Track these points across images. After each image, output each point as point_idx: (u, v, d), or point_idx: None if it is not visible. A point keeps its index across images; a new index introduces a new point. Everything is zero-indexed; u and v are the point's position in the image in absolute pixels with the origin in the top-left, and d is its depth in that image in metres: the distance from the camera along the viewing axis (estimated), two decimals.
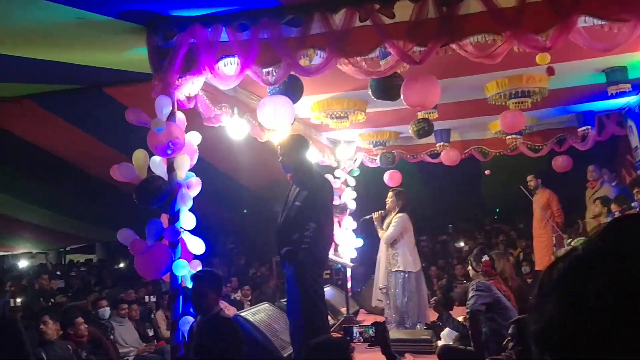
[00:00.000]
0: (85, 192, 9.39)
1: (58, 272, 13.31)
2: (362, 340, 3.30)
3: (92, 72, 5.17)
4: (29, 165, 7.94)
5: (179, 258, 4.04)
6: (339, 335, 3.59)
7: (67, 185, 9.02)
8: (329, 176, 8.05)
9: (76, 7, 3.71)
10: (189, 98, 4.35)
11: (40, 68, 4.98)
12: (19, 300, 6.76)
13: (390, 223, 7.05)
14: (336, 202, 8.31)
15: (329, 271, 9.04)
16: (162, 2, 3.88)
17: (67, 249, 17.04)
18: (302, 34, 3.79)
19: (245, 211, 13.18)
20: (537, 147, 8.44)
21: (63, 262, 16.82)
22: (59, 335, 5.38)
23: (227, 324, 4.06)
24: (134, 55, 4.51)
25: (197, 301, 4.06)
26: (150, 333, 7.73)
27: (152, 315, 8.13)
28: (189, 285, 4.13)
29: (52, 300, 8.47)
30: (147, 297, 8.65)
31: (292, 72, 4.08)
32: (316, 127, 7.51)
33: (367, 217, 7.42)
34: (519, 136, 7.61)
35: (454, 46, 3.66)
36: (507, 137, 7.62)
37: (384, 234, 7.01)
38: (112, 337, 6.75)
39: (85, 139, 7.12)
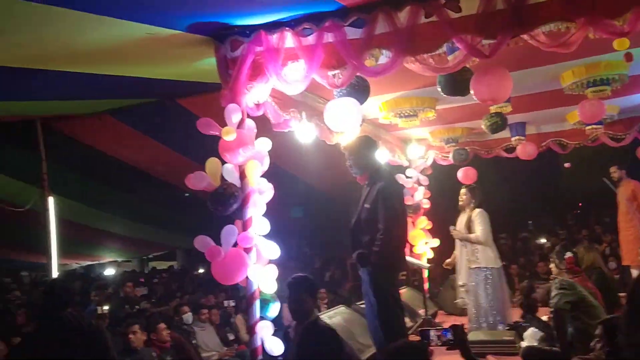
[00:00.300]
0: (165, 201, 9.71)
1: (142, 280, 13.82)
2: (439, 343, 3.23)
3: (165, 85, 5.34)
4: (111, 177, 8.29)
5: (254, 263, 4.10)
6: (417, 339, 3.53)
7: (147, 196, 9.36)
8: (400, 175, 7.98)
9: (146, 23, 3.84)
10: (257, 105, 4.40)
11: (117, 84, 5.19)
12: (105, 307, 7.08)
13: (468, 220, 6.89)
14: (409, 201, 8.22)
15: (405, 272, 8.94)
16: (228, 13, 3.96)
17: (150, 256, 17.68)
18: (367, 35, 3.75)
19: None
20: (619, 137, 8.01)
21: (146, 270, 17.46)
22: (144, 343, 5.58)
23: (327, 332, 4.06)
24: (203, 66, 4.62)
25: (294, 308, 4.09)
26: (231, 337, 7.89)
27: (232, 320, 8.30)
28: (266, 290, 4.17)
29: (137, 307, 8.80)
30: (226, 302, 8.84)
31: (358, 74, 4.06)
32: (385, 126, 7.45)
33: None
34: (599, 126, 7.25)
35: (525, 37, 3.53)
36: (587, 128, 7.28)
37: (476, 236, 6.78)
38: (194, 341, 6.94)
39: (161, 149, 7.37)
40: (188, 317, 7.25)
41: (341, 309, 6.42)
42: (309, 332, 4.00)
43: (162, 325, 5.96)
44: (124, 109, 6.21)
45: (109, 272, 15.50)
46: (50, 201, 6.59)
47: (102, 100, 5.96)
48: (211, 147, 4.15)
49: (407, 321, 6.23)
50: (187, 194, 8.22)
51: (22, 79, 4.76)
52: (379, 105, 6.29)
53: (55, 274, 6.59)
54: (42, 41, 4.05)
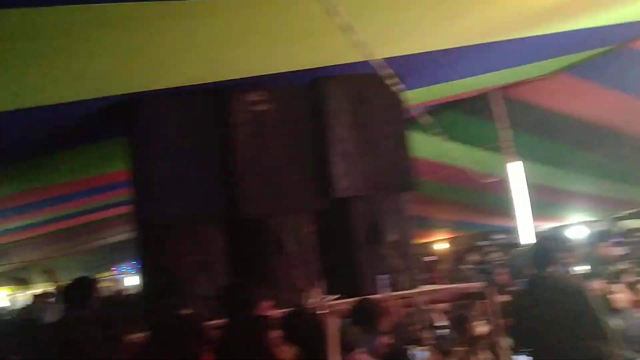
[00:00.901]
0: (632, 155, 8.99)
1: (618, 239, 13.11)
2: None
3: (617, 30, 5.03)
4: (572, 136, 8.13)
5: None
6: None
7: (611, 151, 8.83)
8: None
9: None
10: None
11: (566, 40, 5.14)
12: (581, 268, 7.10)
13: None
14: None
15: None
16: None
17: (622, 215, 16.68)
18: None
19: None
20: None
21: (618, 229, 16.49)
22: (633, 303, 5.43)
23: None
24: None
25: None
26: None
27: None
28: None
29: (615, 266, 8.42)
30: None
31: None
32: None
33: None
34: None
35: None
36: None
37: None
38: None
39: (622, 100, 6.88)
40: None
41: None
42: None
43: None
44: (576, 64, 6.08)
45: (581, 232, 15.18)
46: (515, 166, 6.96)
47: (552, 60, 5.94)
48: None
49: None
50: None
51: (474, 55, 5.16)
52: None
53: (525, 237, 6.96)
54: (484, 13, 4.29)
